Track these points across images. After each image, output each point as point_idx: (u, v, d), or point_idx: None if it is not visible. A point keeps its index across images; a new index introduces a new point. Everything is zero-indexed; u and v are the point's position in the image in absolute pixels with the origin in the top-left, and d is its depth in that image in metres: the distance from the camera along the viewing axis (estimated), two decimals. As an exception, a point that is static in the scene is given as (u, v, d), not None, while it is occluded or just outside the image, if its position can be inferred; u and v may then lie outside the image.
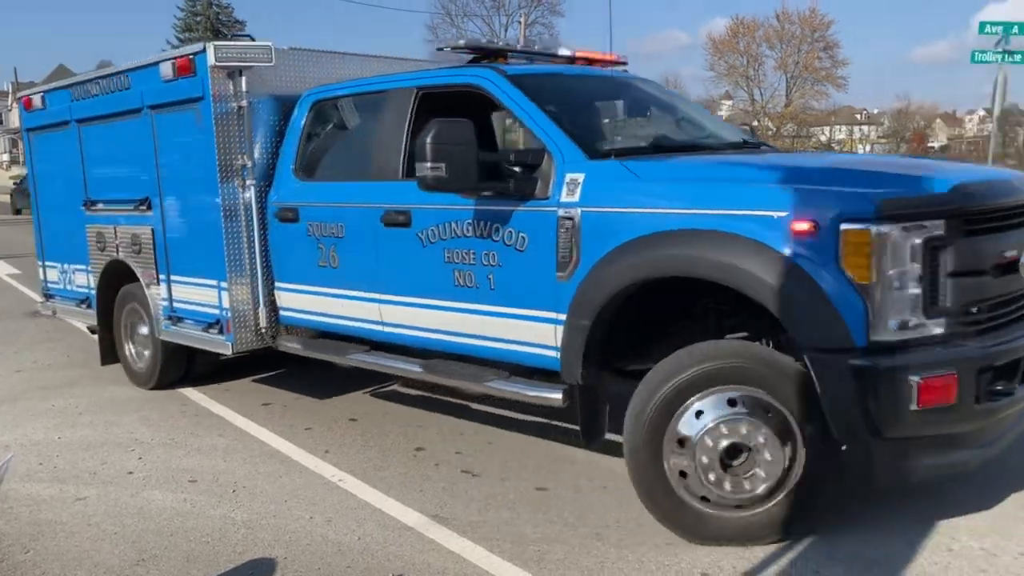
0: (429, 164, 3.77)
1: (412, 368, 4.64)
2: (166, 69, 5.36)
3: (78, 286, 6.84)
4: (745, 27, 49.90)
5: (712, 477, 3.35)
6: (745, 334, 3.83)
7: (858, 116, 69.59)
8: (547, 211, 3.84)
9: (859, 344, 3.03)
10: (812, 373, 3.12)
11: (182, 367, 6.21)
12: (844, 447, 3.30)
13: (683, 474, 3.41)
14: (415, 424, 5.26)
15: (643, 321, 3.88)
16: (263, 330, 5.47)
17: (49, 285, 7.32)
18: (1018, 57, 15.30)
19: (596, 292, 3.64)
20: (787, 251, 3.10)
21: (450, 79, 4.56)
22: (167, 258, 5.77)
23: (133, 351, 6.46)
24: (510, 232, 4.00)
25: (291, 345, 5.43)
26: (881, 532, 3.51)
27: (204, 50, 5.08)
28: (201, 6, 47.48)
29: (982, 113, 67.55)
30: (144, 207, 5.83)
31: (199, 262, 5.50)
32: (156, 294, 5.91)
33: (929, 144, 58.92)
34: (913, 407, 2.99)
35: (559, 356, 3.87)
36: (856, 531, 3.51)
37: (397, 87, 4.71)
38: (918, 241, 3.02)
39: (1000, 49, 15.22)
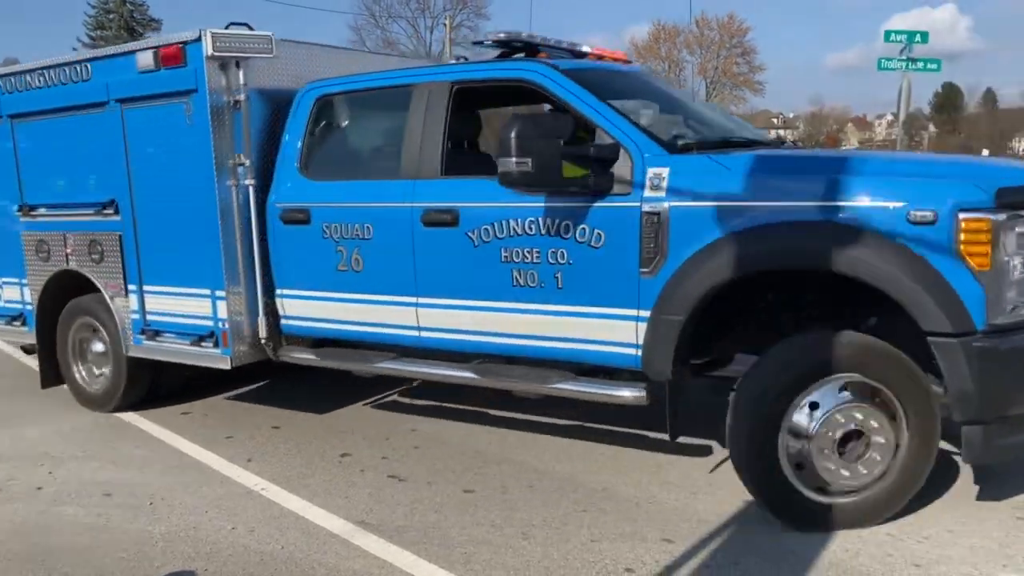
0: (515, 159, 3.63)
1: (462, 374, 4.45)
2: (145, 59, 4.93)
3: (7, 301, 6.18)
4: (666, 33, 51.09)
5: (831, 465, 3.45)
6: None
7: (775, 120, 71.78)
8: (628, 207, 3.76)
9: (980, 327, 3.20)
10: (937, 357, 3.25)
11: (147, 385, 5.74)
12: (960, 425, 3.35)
13: (799, 465, 3.49)
14: (341, 430, 5.20)
15: (713, 316, 3.81)
16: (262, 341, 5.05)
17: None
18: (920, 64, 16.08)
19: (693, 287, 3.59)
20: (907, 241, 3.24)
21: (496, 74, 4.43)
22: (139, 266, 5.30)
23: (83, 372, 5.91)
24: (583, 229, 3.88)
25: (301, 356, 5.04)
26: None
27: (200, 38, 4.66)
28: (114, 3, 45.80)
29: (890, 117, 70.60)
30: (110, 211, 5.32)
31: (186, 270, 5.08)
32: (123, 306, 5.42)
33: (842, 147, 61.22)
34: None
35: (640, 353, 3.82)
36: (774, 522, 3.62)
37: (428, 81, 4.48)
38: None
39: (904, 57, 15.97)
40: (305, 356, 5.04)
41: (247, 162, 4.83)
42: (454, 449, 4.76)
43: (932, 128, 62.11)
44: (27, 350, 6.37)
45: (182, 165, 4.94)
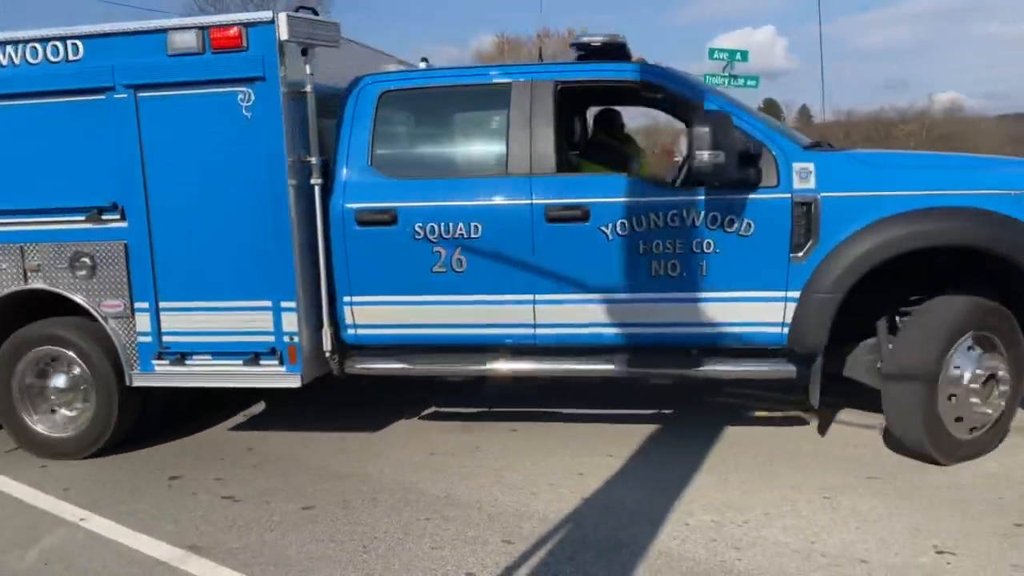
0: (709, 152, 3.91)
1: (604, 367, 4.44)
2: (183, 40, 4.32)
3: None
4: (510, 44, 52.00)
5: (975, 400, 4.14)
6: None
7: (614, 131, 74.72)
8: (779, 198, 4.13)
9: None
10: None
11: (135, 419, 4.92)
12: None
13: (954, 407, 4.12)
14: (171, 452, 4.92)
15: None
16: (327, 353, 4.61)
17: None
18: (740, 81, 17.26)
19: (852, 266, 4.06)
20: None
21: (610, 74, 4.56)
22: (154, 280, 4.60)
23: (39, 415, 4.88)
24: (732, 219, 4.17)
25: (382, 366, 4.66)
26: (627, 515, 3.79)
27: (273, 20, 4.26)
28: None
29: (718, 130, 75.06)
30: (111, 216, 4.58)
31: (234, 280, 4.51)
32: (124, 329, 4.68)
33: (675, 158, 64.66)
34: None
35: (786, 331, 4.22)
36: (606, 516, 3.77)
37: (530, 79, 4.47)
38: None
39: (726, 73, 17.10)
40: (389, 366, 4.67)
41: (313, 160, 4.44)
42: (293, 466, 4.62)
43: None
44: None
45: (234, 163, 4.40)
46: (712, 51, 17.46)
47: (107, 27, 4.51)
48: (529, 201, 4.38)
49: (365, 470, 4.48)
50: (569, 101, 4.78)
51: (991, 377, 4.17)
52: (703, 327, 4.33)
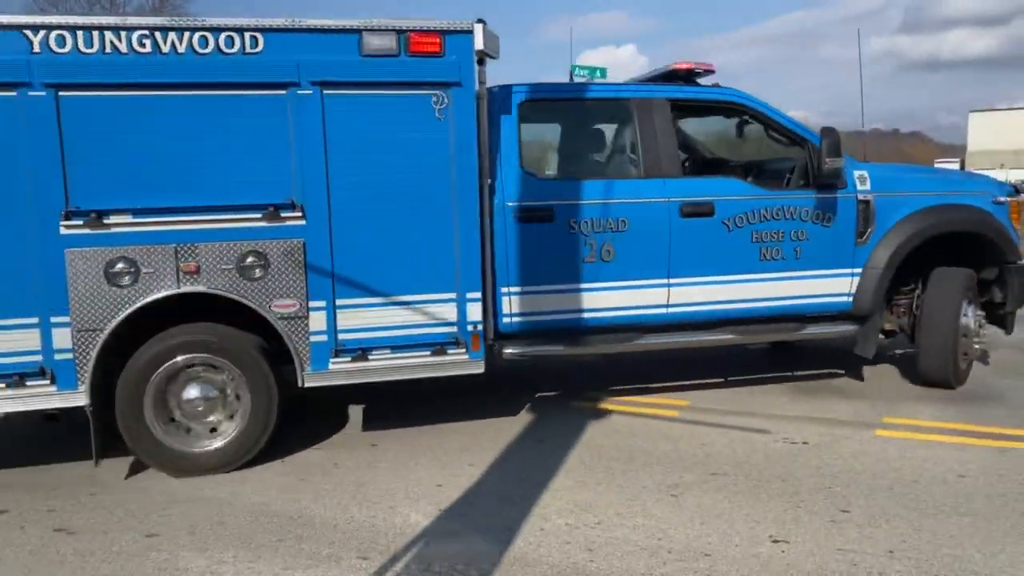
0: (830, 159, 5.32)
1: (724, 337, 5.52)
2: (380, 41, 4.52)
3: (10, 353, 4.30)
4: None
5: (974, 340, 5.85)
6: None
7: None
8: (849, 197, 5.62)
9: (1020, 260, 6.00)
10: (1009, 275, 5.97)
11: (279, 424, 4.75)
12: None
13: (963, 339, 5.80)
14: (-3, 484, 4.54)
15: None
16: (490, 340, 4.97)
17: None
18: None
19: (899, 248, 5.63)
20: (997, 213, 5.91)
21: (710, 96, 5.66)
22: (332, 278, 4.61)
23: (175, 429, 4.57)
24: (818, 214, 5.57)
25: (542, 349, 5.22)
26: (485, 523, 3.82)
27: (471, 30, 4.61)
28: None
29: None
30: (291, 214, 4.51)
31: (418, 275, 4.72)
32: (298, 329, 4.61)
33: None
34: None
35: (852, 300, 5.70)
36: (464, 525, 3.77)
37: (652, 97, 5.45)
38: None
39: (587, 89, 17.58)
40: (544, 348, 5.22)
41: (487, 162, 4.81)
42: (136, 493, 4.37)
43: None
44: (51, 416, 4.59)
45: (421, 163, 4.66)
46: (574, 67, 17.91)
47: (293, 22, 4.47)
48: (667, 199, 5.31)
49: (215, 493, 4.29)
50: (680, 114, 5.80)
51: (979, 324, 5.94)
52: (796, 299, 5.63)
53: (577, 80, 17.44)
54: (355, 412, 5.71)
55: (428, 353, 4.78)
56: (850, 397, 5.83)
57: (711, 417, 5.41)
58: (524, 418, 5.49)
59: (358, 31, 4.52)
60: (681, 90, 5.63)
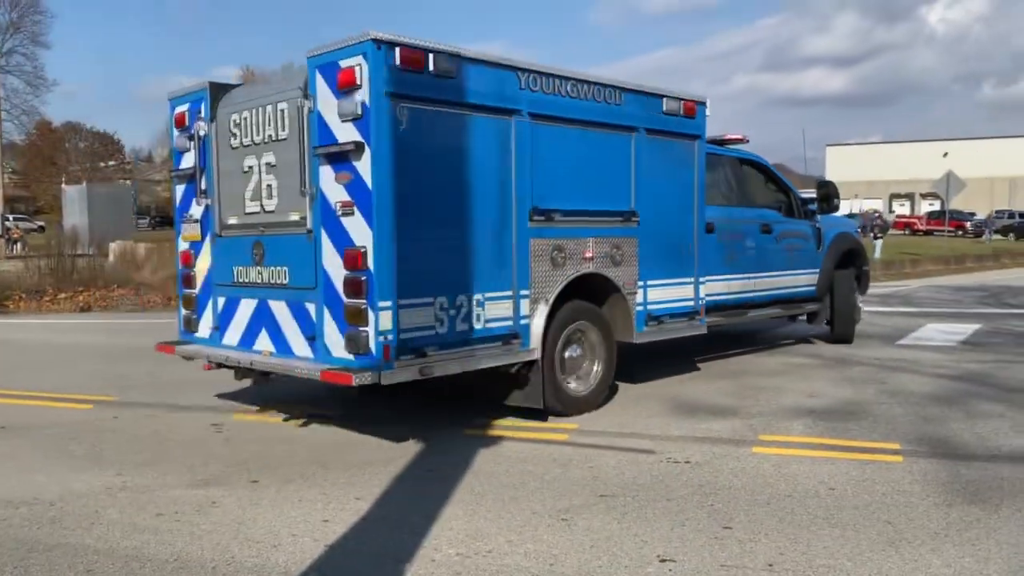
0: (836, 199, 9.36)
1: (774, 311, 8.90)
2: (672, 104, 6.80)
3: (489, 321, 5.52)
4: (255, 77, 50.36)
5: (860, 306, 10.25)
6: None
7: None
8: (815, 226, 9.46)
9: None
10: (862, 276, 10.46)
11: None
12: None
13: (854, 304, 10.02)
14: None
15: None
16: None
17: (409, 334, 5.05)
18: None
19: (837, 254, 9.59)
20: (858, 236, 11.18)
21: (748, 156, 8.90)
22: (646, 266, 6.68)
23: (571, 378, 6.28)
24: (806, 235, 9.28)
25: (726, 320, 8.20)
26: (373, 558, 3.71)
27: (705, 103, 7.15)
28: None
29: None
30: (632, 220, 6.57)
31: (674, 267, 6.97)
32: (634, 302, 6.60)
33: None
34: None
35: (815, 288, 9.36)
36: (351, 561, 3.66)
37: (739, 156, 8.77)
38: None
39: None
40: (716, 320, 7.78)
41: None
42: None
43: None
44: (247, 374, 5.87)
45: (682, 189, 7.00)
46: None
47: (638, 84, 6.57)
48: (753, 222, 8.54)
49: (82, 539, 3.99)
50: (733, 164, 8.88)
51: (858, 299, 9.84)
52: (791, 288, 9.03)
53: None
54: (238, 449, 5.47)
55: (685, 320, 7.07)
56: (727, 416, 6.07)
57: (599, 439, 5.50)
58: (413, 448, 5.41)
59: (662, 96, 6.73)
60: (746, 153, 8.89)
